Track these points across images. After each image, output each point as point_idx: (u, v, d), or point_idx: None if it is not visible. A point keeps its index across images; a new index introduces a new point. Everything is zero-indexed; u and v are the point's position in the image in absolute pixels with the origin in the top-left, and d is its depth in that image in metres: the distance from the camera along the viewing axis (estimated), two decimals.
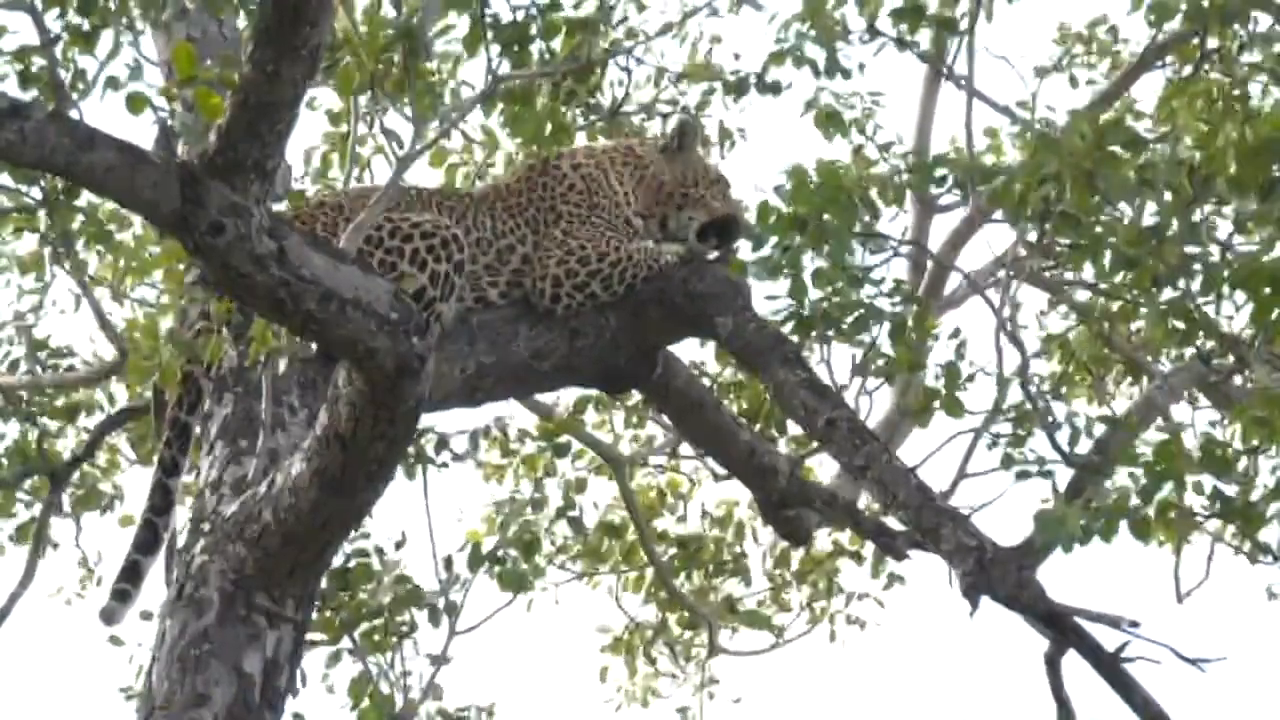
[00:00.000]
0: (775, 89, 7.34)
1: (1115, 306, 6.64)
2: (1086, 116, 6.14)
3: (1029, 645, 5.82)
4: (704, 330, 6.50)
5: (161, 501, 6.08)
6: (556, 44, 6.73)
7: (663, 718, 9.80)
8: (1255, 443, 5.51)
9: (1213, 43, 7.45)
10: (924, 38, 8.11)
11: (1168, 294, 5.95)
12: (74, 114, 5.61)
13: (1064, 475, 5.92)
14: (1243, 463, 5.56)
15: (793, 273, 6.00)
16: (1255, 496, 5.50)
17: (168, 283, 6.12)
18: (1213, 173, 6.01)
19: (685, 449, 9.27)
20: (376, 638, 7.15)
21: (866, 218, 6.28)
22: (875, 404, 6.37)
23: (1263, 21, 7.27)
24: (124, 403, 8.34)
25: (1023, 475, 5.91)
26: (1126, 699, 5.38)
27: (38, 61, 6.75)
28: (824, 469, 8.55)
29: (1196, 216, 5.98)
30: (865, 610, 9.63)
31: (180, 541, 6.11)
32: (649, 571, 9.43)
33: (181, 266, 6.01)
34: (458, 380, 6.39)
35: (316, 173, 8.35)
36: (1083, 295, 8.06)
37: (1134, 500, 5.39)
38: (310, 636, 6.57)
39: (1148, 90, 10.01)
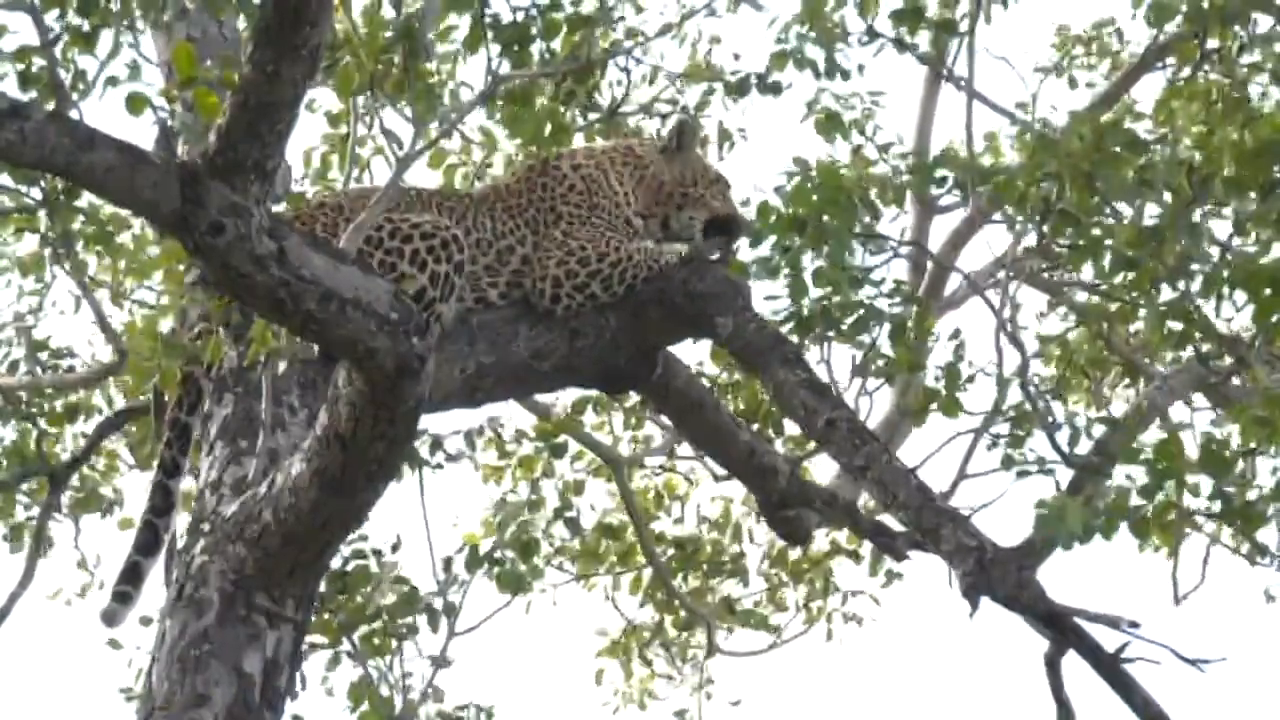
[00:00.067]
0: (776, 89, 7.35)
1: (1114, 308, 6.63)
2: (1086, 118, 6.14)
3: (1029, 645, 5.83)
4: (704, 330, 6.50)
5: (162, 502, 6.08)
6: (556, 44, 6.73)
7: (660, 719, 9.82)
8: (1253, 444, 5.50)
9: (1213, 43, 7.45)
10: (923, 39, 8.12)
11: (1168, 295, 5.95)
12: (74, 114, 5.61)
13: (1064, 476, 5.93)
14: (1240, 464, 5.55)
15: (792, 273, 6.00)
16: (1254, 497, 5.50)
17: (168, 283, 6.12)
18: (1212, 173, 6.01)
19: (683, 450, 9.28)
20: (376, 641, 7.15)
21: (867, 218, 6.29)
22: (875, 404, 6.38)
23: (1263, 23, 7.27)
24: (123, 404, 8.34)
25: (1023, 474, 5.91)
26: (1126, 699, 5.38)
27: (38, 61, 6.74)
28: (824, 469, 8.56)
29: (1196, 217, 5.98)
30: (861, 607, 9.64)
31: (180, 542, 6.11)
32: (646, 573, 9.43)
33: (181, 267, 6.00)
34: (458, 380, 6.39)
35: (316, 174, 8.35)
36: (1082, 296, 8.06)
37: (1134, 500, 5.39)
38: (309, 639, 6.58)
39: (1148, 91, 10.02)
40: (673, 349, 6.84)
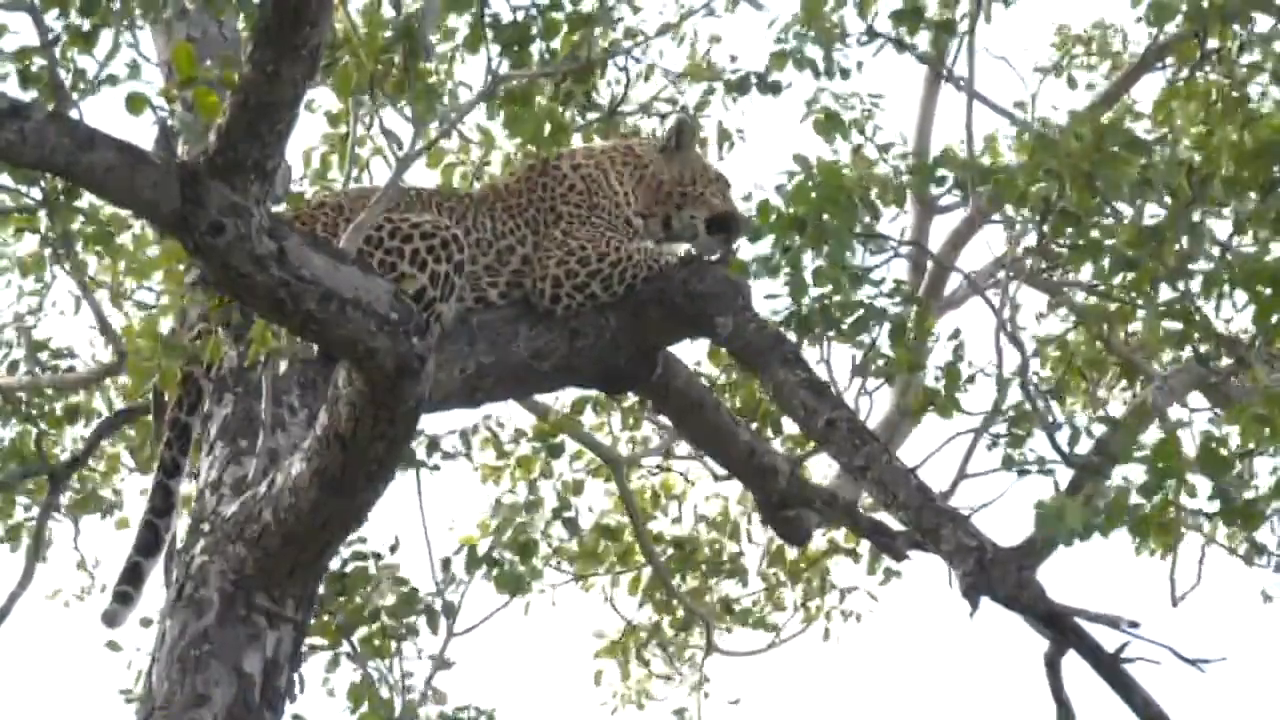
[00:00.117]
0: (775, 88, 7.35)
1: (1113, 308, 6.63)
2: (1086, 118, 6.14)
3: (1029, 645, 5.83)
4: (704, 330, 6.50)
5: (162, 503, 6.07)
6: (556, 44, 6.73)
7: (659, 719, 9.82)
8: (1251, 446, 5.50)
9: (1213, 43, 7.45)
10: (923, 39, 8.12)
11: (1168, 295, 5.95)
12: (74, 114, 5.61)
13: (1064, 476, 5.94)
14: (1238, 464, 5.55)
15: (792, 272, 6.00)
16: (1253, 496, 5.49)
17: (168, 283, 6.12)
18: (1211, 174, 6.01)
19: (681, 449, 9.28)
20: (376, 642, 7.15)
21: (867, 218, 6.28)
22: (875, 404, 6.38)
23: (1263, 23, 7.27)
24: (122, 405, 8.33)
25: (1023, 474, 5.91)
26: (1126, 699, 5.38)
27: (38, 61, 6.75)
28: (824, 469, 8.56)
29: (1196, 217, 5.98)
30: (858, 603, 9.65)
31: (180, 542, 6.11)
32: (644, 573, 9.44)
33: (181, 267, 6.00)
34: (458, 380, 6.39)
35: (315, 174, 8.35)
36: (1081, 297, 8.06)
37: (1134, 499, 5.39)
38: (309, 641, 6.57)
39: (1147, 92, 10.02)
40: (673, 349, 6.84)
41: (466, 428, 8.43)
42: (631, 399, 8.62)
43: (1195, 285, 5.90)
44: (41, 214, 7.60)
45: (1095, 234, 6.00)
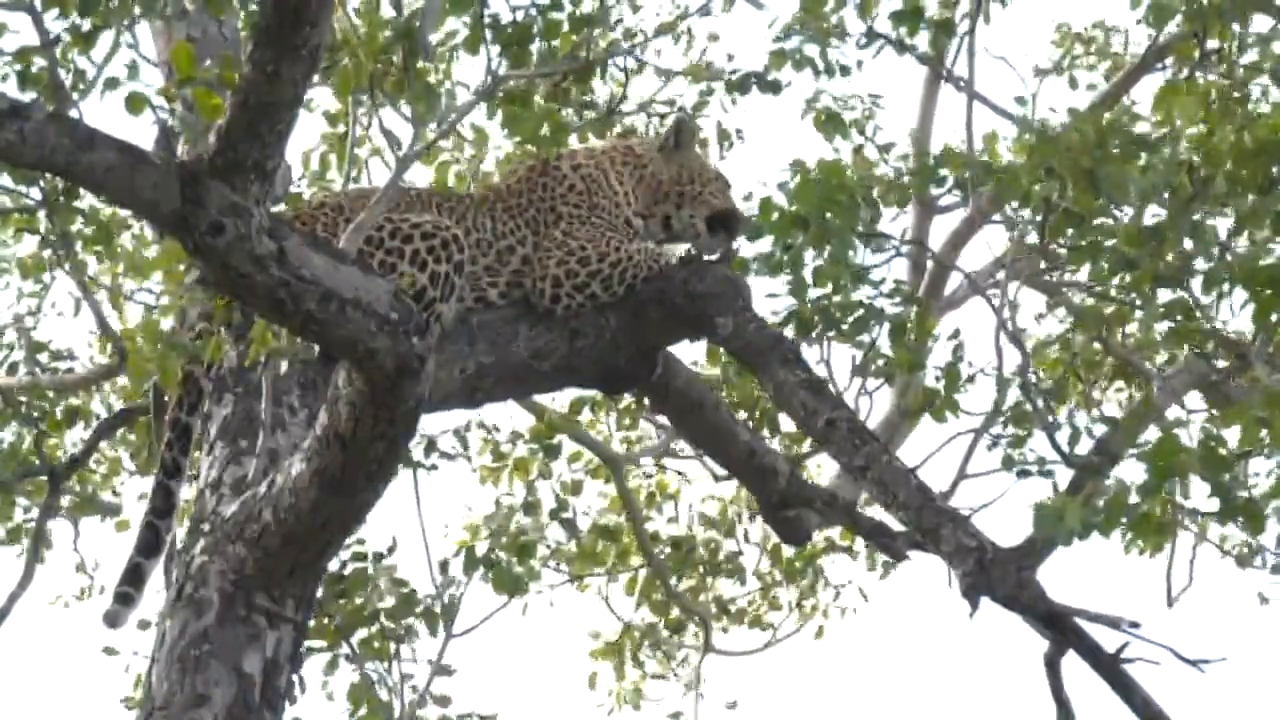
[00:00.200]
0: (775, 88, 7.34)
1: (1110, 309, 6.63)
2: (1088, 116, 6.14)
3: (1029, 645, 5.83)
4: (704, 330, 6.49)
5: (163, 503, 6.07)
6: (556, 43, 6.72)
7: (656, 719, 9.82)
8: (1248, 448, 5.50)
9: (1212, 43, 7.45)
10: (923, 39, 8.12)
11: (1169, 296, 5.95)
12: (74, 114, 5.61)
13: (1064, 476, 5.94)
14: (1237, 465, 5.55)
15: (793, 271, 6.00)
16: (1252, 496, 5.49)
17: (168, 283, 6.11)
18: (1211, 174, 6.01)
19: (677, 449, 9.29)
20: (376, 645, 7.15)
21: (868, 218, 6.28)
22: (875, 404, 6.38)
23: (1263, 23, 7.28)
24: (122, 406, 8.33)
25: (1023, 474, 5.91)
26: (1126, 699, 5.38)
27: (38, 62, 6.74)
28: (824, 469, 8.56)
29: (1196, 216, 5.98)
30: (852, 598, 9.66)
31: (180, 543, 6.11)
32: (641, 574, 9.44)
33: (182, 267, 6.00)
34: (458, 380, 6.39)
35: (314, 175, 8.35)
36: (1079, 298, 8.06)
37: (1133, 498, 5.39)
38: (308, 643, 6.57)
39: (1148, 92, 10.02)
40: (672, 349, 6.84)
41: (460, 426, 8.43)
42: (628, 399, 8.63)
43: (1196, 285, 5.90)
44: (41, 214, 7.59)
45: (1096, 234, 6.00)
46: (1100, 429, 6.11)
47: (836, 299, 6.04)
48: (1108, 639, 5.41)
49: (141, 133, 8.72)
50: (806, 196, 6.03)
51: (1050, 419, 5.98)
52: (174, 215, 4.96)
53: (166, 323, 6.27)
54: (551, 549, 9.18)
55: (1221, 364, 6.39)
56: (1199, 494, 5.43)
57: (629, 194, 6.91)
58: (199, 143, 5.81)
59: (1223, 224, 6.26)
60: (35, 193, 7.43)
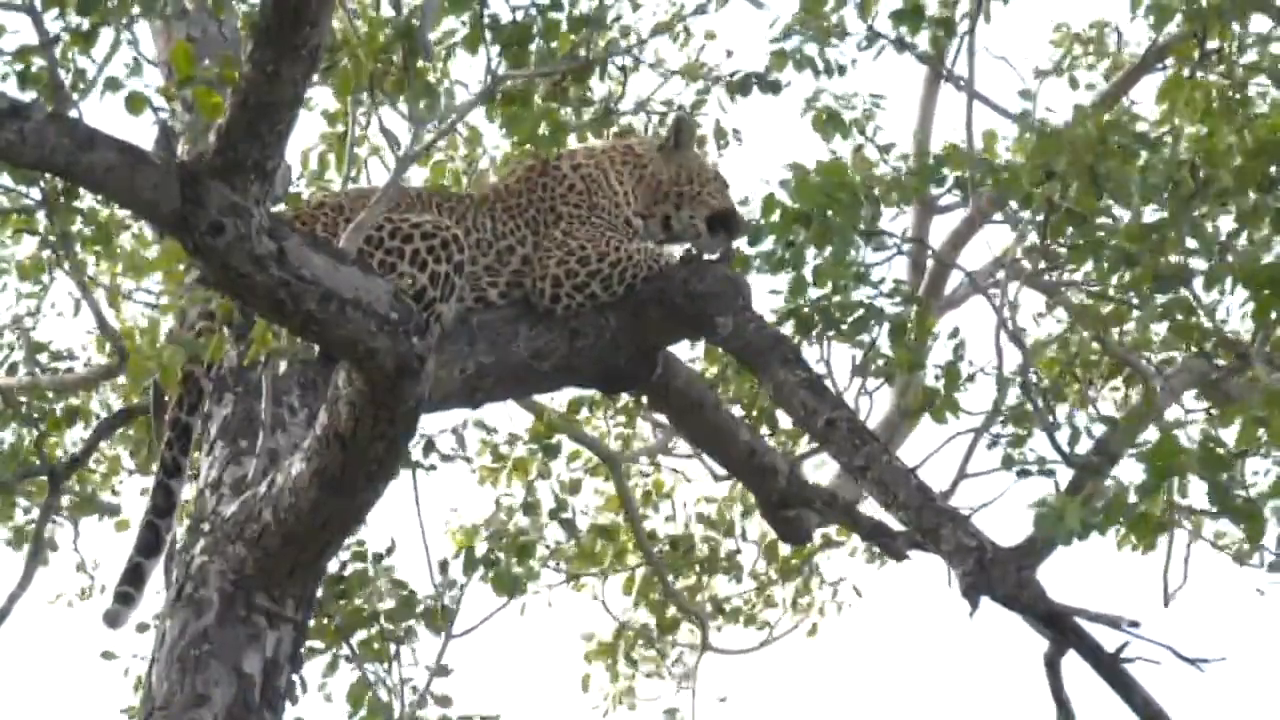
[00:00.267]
0: (775, 88, 7.34)
1: (1108, 309, 6.63)
2: (1090, 114, 6.14)
3: (1029, 645, 5.83)
4: (704, 330, 6.49)
5: (163, 503, 6.06)
6: (555, 44, 6.72)
7: (651, 719, 9.83)
8: (1245, 448, 5.50)
9: (1212, 44, 7.45)
10: (923, 39, 8.12)
11: (1169, 295, 5.95)
12: (74, 114, 5.61)
13: (1064, 476, 5.94)
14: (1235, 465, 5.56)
15: (795, 270, 6.00)
16: (1251, 495, 5.49)
17: (168, 283, 6.11)
18: (1213, 174, 6.01)
19: (671, 447, 9.30)
20: (376, 646, 7.15)
21: (869, 215, 6.28)
22: (875, 404, 6.38)
23: (1262, 24, 7.28)
24: (121, 406, 8.34)
25: (1023, 474, 5.92)
26: (1126, 699, 5.38)
27: (38, 62, 6.75)
28: (824, 469, 8.56)
29: (1196, 214, 5.98)
30: (847, 594, 9.67)
31: (180, 542, 6.10)
32: (638, 573, 9.45)
33: (181, 267, 6.00)
34: (458, 381, 6.39)
35: (312, 175, 8.35)
36: (1077, 298, 8.06)
37: (1132, 498, 5.39)
38: (307, 644, 6.57)
39: (1147, 92, 10.02)
40: (672, 349, 6.84)
41: (459, 425, 8.44)
42: (625, 398, 8.63)
43: (1197, 284, 5.90)
44: (41, 215, 7.60)
45: (1096, 232, 6.00)
46: (1100, 429, 6.11)
47: (836, 299, 6.04)
48: (1107, 638, 5.41)
49: (141, 133, 8.73)
50: (808, 194, 6.03)
51: (1050, 419, 5.99)
52: (174, 215, 4.96)
53: (167, 322, 6.27)
54: (551, 549, 9.19)
55: (1221, 362, 6.39)
56: (1196, 493, 5.44)
57: (629, 194, 6.91)
58: (199, 143, 5.80)
59: (1224, 223, 6.26)
60: (35, 193, 7.44)
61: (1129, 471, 5.52)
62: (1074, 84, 9.54)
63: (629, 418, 9.22)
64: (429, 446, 8.10)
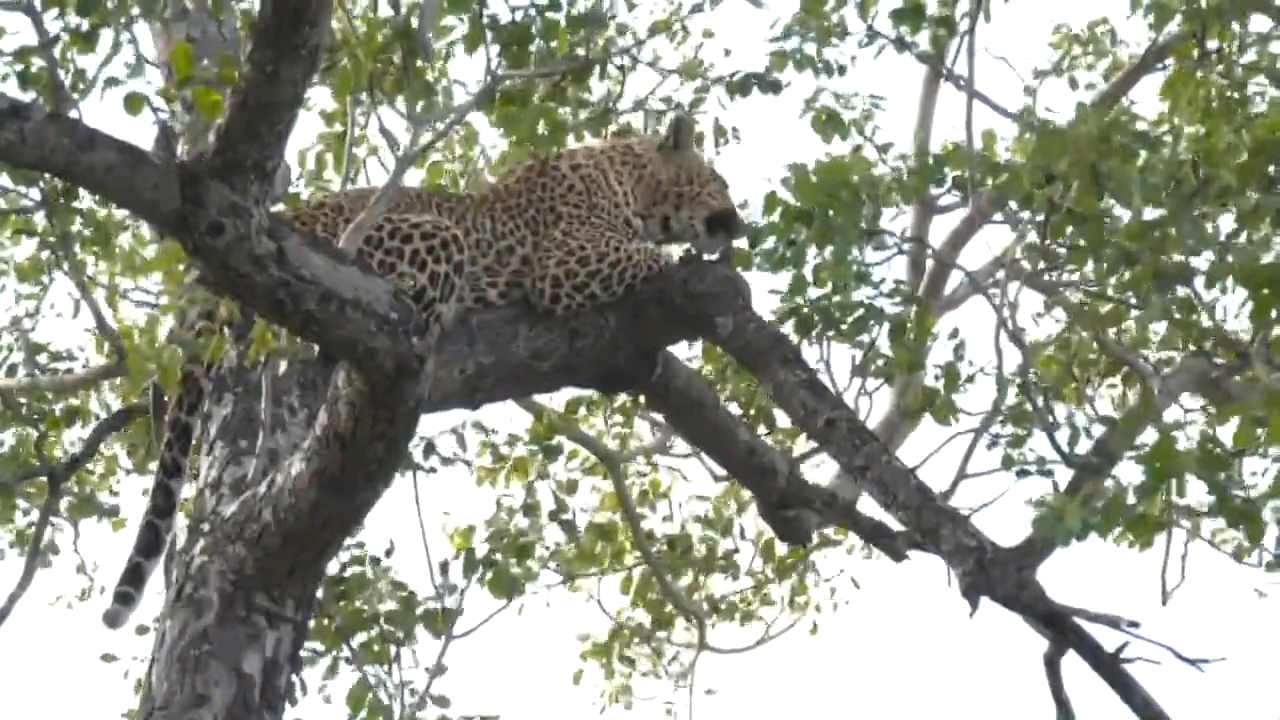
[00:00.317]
0: (775, 87, 7.35)
1: (1106, 309, 6.64)
2: (1091, 113, 6.14)
3: (1029, 645, 5.83)
4: (704, 330, 6.49)
5: (163, 503, 6.06)
6: (555, 44, 6.72)
7: (649, 717, 9.84)
8: (1243, 448, 5.51)
9: (1213, 43, 7.46)
10: (923, 39, 8.12)
11: (1170, 294, 5.95)
12: (74, 114, 5.61)
13: (1064, 476, 5.94)
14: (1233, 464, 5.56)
15: (795, 269, 6.01)
16: (1251, 496, 5.50)
17: (168, 283, 6.11)
18: (1213, 173, 6.01)
19: (668, 446, 9.30)
20: (376, 648, 7.15)
21: (869, 214, 6.29)
22: (875, 404, 6.38)
23: (1262, 24, 7.28)
24: (121, 406, 8.34)
25: (1023, 474, 5.92)
26: (1126, 699, 5.38)
27: (37, 62, 6.75)
28: (824, 469, 8.56)
29: (1196, 213, 5.98)
30: (844, 591, 9.69)
31: (180, 542, 6.10)
32: (635, 573, 9.45)
33: (181, 267, 6.00)
34: (457, 381, 6.39)
35: (311, 175, 8.35)
36: (1076, 298, 8.07)
37: (1131, 499, 5.39)
38: (307, 646, 6.57)
39: (1147, 92, 10.03)
40: (672, 349, 6.84)
41: (459, 426, 8.44)
42: (622, 398, 8.63)
43: (1198, 283, 5.90)
44: (40, 215, 7.60)
45: (1097, 231, 6.00)
46: (1099, 429, 6.11)
47: (836, 299, 6.04)
48: (1107, 638, 5.41)
49: (141, 133, 8.73)
50: (809, 193, 6.03)
51: (1050, 419, 5.99)
52: (174, 215, 4.96)
53: (167, 322, 6.27)
54: (550, 550, 9.19)
55: (1220, 361, 6.39)
56: (1195, 492, 5.44)
57: (628, 194, 6.91)
58: (199, 143, 5.80)
59: (1224, 222, 6.27)
60: (34, 193, 7.44)
61: (1128, 472, 5.52)
62: (1074, 84, 9.55)
63: (627, 417, 9.21)
64: (429, 449, 8.10)
